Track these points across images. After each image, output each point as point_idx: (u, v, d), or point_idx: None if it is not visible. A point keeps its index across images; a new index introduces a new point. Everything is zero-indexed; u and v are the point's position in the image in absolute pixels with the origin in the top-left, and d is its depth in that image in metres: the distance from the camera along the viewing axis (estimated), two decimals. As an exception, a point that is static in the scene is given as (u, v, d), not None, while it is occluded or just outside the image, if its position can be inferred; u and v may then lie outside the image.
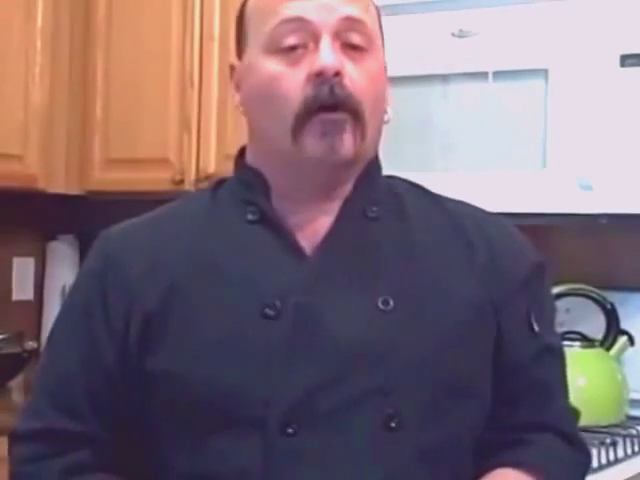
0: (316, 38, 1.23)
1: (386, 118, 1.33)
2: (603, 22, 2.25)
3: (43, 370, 1.34)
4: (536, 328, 1.32)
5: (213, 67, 2.90)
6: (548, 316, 1.38)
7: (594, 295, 2.47)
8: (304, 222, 1.27)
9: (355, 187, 1.30)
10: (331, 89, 1.21)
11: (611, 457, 2.13)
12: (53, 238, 3.43)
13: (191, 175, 2.93)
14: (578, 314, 2.52)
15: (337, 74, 1.22)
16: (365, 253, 1.27)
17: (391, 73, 2.47)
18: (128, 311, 1.26)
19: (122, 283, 1.27)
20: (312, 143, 1.22)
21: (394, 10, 2.52)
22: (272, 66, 1.24)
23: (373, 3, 1.33)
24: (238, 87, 1.32)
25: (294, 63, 1.23)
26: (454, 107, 2.42)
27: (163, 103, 2.97)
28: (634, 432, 2.29)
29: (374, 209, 1.30)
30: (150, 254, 1.28)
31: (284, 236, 1.26)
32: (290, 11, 1.23)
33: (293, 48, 1.24)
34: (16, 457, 1.31)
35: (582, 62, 2.26)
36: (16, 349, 2.92)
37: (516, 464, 1.29)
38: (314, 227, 1.28)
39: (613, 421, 2.35)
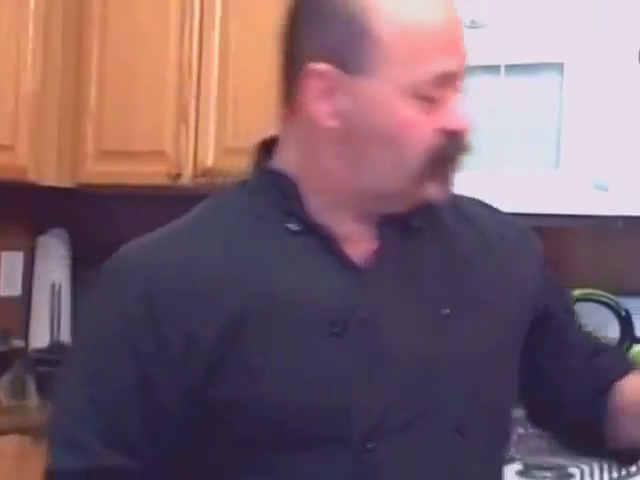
0: (447, 87, 1.24)
1: None
2: (622, 15, 2.21)
3: (79, 399, 1.25)
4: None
5: (213, 54, 2.85)
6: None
7: (608, 301, 2.44)
8: (346, 232, 1.26)
9: None
10: (467, 142, 1.25)
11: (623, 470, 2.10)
12: (43, 232, 3.38)
13: (188, 169, 2.89)
14: (591, 321, 2.46)
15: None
16: (414, 266, 1.28)
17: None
18: (187, 340, 1.20)
19: (177, 309, 1.22)
20: (434, 190, 1.24)
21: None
22: (408, 111, 1.22)
23: None
24: (328, 100, 1.23)
25: (428, 112, 1.22)
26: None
27: (159, 92, 2.92)
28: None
29: (418, 219, 1.30)
30: (203, 277, 1.23)
31: (331, 247, 1.25)
32: (447, 65, 1.23)
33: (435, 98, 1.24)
34: None
35: (599, 57, 2.23)
36: (2, 347, 2.94)
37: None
38: (357, 236, 1.26)
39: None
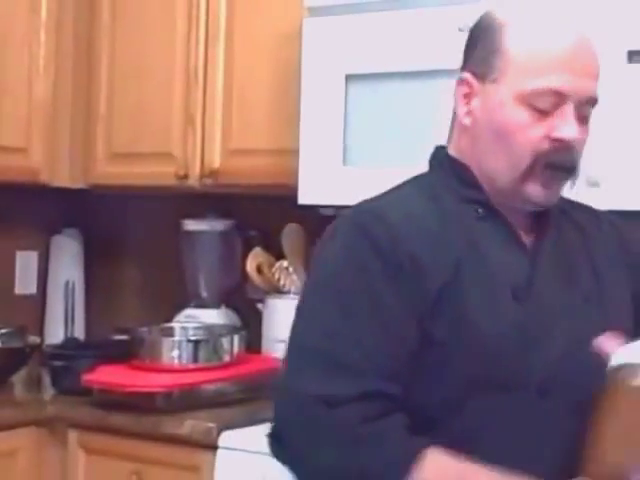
0: (562, 103, 1.46)
1: None
2: (610, 17, 2.21)
3: (339, 330, 1.43)
4: None
5: (218, 60, 2.88)
6: None
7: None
8: (514, 219, 1.53)
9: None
10: (572, 157, 1.48)
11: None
12: (57, 232, 3.41)
13: (195, 170, 2.91)
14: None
15: (574, 144, 1.47)
16: (561, 255, 1.54)
17: (397, 68, 2.46)
18: (421, 287, 1.43)
19: (414, 260, 1.44)
20: (535, 190, 1.49)
21: (400, 4, 2.49)
22: (520, 115, 1.46)
23: None
24: (467, 102, 1.53)
25: (538, 120, 1.45)
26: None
27: (167, 96, 2.95)
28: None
29: (559, 217, 1.57)
30: (430, 235, 1.47)
31: (510, 231, 1.52)
32: (558, 83, 1.45)
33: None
34: (351, 418, 1.39)
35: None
36: (18, 344, 2.91)
37: None
38: (522, 224, 1.54)
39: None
